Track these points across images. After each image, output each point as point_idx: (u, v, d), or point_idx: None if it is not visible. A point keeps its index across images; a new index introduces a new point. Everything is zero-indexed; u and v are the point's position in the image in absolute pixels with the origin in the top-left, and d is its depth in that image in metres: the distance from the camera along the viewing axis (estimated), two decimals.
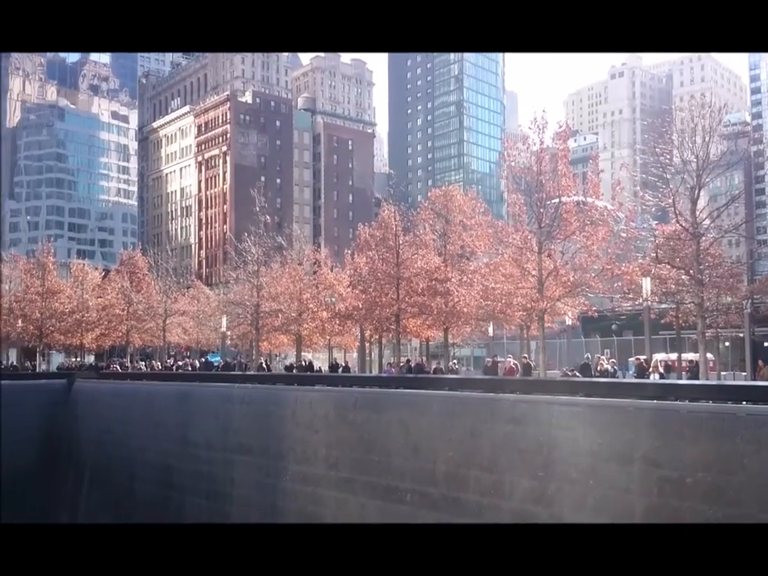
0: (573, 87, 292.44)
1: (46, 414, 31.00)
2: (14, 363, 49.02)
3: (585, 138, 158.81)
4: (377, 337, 36.01)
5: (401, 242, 29.98)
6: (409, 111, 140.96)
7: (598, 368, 22.17)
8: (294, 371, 33.19)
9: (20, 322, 41.55)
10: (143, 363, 44.60)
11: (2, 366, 45.31)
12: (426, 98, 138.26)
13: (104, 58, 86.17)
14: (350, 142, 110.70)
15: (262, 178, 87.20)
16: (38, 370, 43.28)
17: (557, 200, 23.14)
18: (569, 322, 30.42)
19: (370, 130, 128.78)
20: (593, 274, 22.68)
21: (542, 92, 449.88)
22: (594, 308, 26.02)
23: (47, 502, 29.32)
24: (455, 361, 32.60)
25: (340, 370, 33.34)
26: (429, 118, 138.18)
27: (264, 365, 35.92)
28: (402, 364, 30.88)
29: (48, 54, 78.73)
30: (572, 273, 23.02)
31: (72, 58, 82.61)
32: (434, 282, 28.93)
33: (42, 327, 41.91)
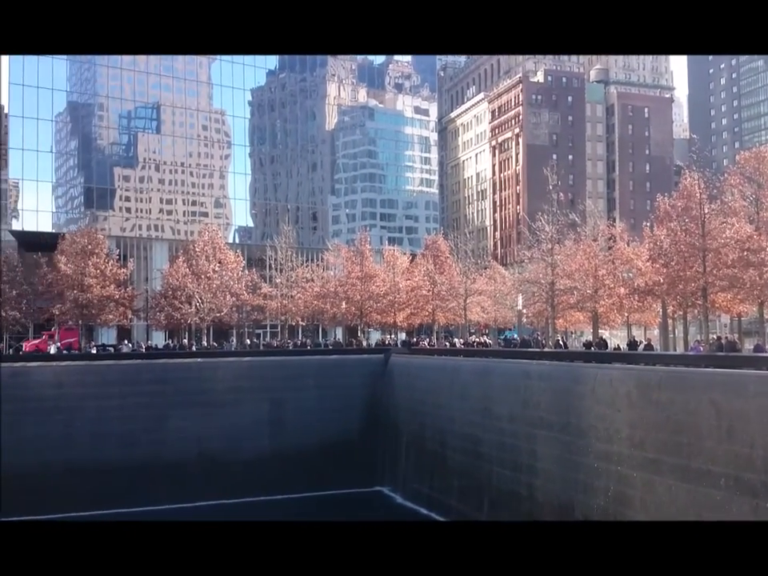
0: None
1: (368, 384, 34.97)
2: (339, 339, 55.58)
3: None
4: (680, 313, 34.03)
5: (706, 211, 28.06)
6: (711, 71, 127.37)
7: None
8: (593, 349, 32.90)
9: (344, 303, 47.05)
10: (456, 340, 47.45)
11: (331, 343, 52.01)
12: (729, 55, 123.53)
13: (406, 56, 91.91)
14: (645, 110, 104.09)
15: (554, 156, 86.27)
16: (359, 346, 48.27)
17: None
18: None
19: (667, 95, 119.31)
20: None
21: None
22: None
23: (372, 463, 33.12)
24: None
25: (640, 347, 32.14)
26: (734, 75, 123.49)
27: (560, 342, 36.16)
28: (711, 341, 28.87)
29: (358, 58, 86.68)
30: None
31: (378, 60, 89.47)
32: (746, 253, 26.65)
33: (362, 308, 46.92)
